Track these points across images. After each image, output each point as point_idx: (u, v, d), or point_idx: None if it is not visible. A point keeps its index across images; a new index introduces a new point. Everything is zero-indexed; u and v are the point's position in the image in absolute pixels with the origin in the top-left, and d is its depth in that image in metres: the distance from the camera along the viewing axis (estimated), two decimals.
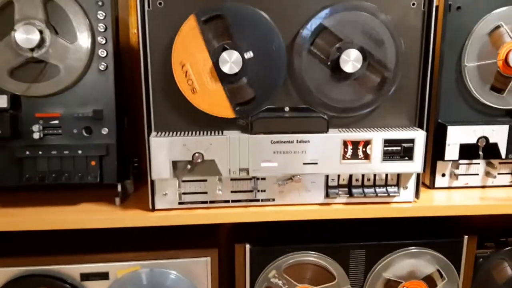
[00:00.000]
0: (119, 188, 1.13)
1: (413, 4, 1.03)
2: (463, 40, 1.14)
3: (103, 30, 1.05)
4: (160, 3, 0.99)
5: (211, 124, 1.05)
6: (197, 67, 0.99)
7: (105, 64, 1.05)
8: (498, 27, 1.13)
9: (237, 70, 0.98)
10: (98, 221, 1.05)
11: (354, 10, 1.00)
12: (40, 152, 1.05)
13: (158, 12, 0.99)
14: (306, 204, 1.10)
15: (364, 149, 1.05)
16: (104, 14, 1.04)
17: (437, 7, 1.12)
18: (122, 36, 1.14)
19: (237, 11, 0.98)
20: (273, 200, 1.10)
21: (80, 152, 1.05)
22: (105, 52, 1.05)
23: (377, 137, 1.04)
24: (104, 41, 1.05)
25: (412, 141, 1.05)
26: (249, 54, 0.98)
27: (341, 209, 1.10)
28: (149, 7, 0.99)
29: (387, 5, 1.02)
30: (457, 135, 1.15)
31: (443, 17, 1.12)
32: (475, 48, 1.14)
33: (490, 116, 1.19)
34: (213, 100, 1.01)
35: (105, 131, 1.07)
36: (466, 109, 1.19)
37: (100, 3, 1.04)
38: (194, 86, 1.00)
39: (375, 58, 1.02)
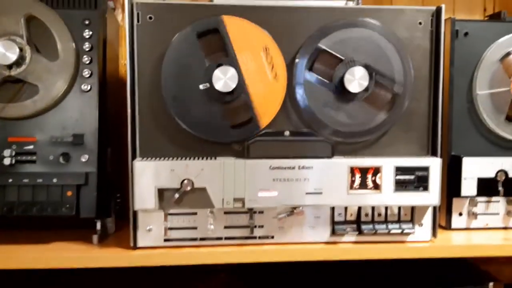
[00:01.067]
0: (98, 225, 1.00)
1: (420, 23, 0.97)
2: (473, 67, 1.08)
3: (88, 49, 0.97)
4: (150, 17, 0.92)
5: (203, 150, 0.94)
6: None
7: (89, 85, 0.97)
8: (509, 53, 1.07)
9: (233, 87, 0.89)
10: (71, 260, 0.92)
11: (356, 27, 0.94)
12: (10, 180, 0.93)
13: (148, 27, 0.92)
14: (310, 243, 0.97)
15: (373, 178, 0.94)
16: (90, 33, 0.97)
17: None
18: (110, 68, 1.06)
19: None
20: (272, 237, 0.97)
21: (55, 180, 0.94)
22: (89, 72, 0.97)
23: (387, 164, 0.94)
24: (89, 61, 0.97)
25: (426, 169, 0.94)
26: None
27: (349, 248, 0.96)
28: (138, 21, 0.92)
29: (392, 24, 0.96)
30: (474, 168, 1.05)
31: (451, 43, 1.06)
32: (486, 75, 1.08)
33: (507, 149, 1.10)
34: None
35: (85, 158, 0.96)
36: (481, 140, 1.09)
37: (87, 22, 0.98)
38: None
39: (381, 76, 0.94)
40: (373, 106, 0.94)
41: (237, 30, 0.91)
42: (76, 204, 0.94)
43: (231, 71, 0.89)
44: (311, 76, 0.94)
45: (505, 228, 1.10)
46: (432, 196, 0.95)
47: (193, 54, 0.91)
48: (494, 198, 1.09)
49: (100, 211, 0.98)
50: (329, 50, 0.94)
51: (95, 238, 0.98)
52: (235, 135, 0.93)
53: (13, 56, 0.92)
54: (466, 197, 1.07)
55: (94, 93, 0.97)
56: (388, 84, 0.94)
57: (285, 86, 0.93)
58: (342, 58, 0.94)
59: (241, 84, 0.90)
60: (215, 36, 0.91)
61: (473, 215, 1.08)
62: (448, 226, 1.09)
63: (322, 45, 0.93)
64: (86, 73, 0.97)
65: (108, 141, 1.03)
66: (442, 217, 1.10)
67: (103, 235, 1.01)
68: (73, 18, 0.97)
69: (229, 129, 0.92)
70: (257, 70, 0.91)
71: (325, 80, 0.94)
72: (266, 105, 0.92)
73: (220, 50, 0.91)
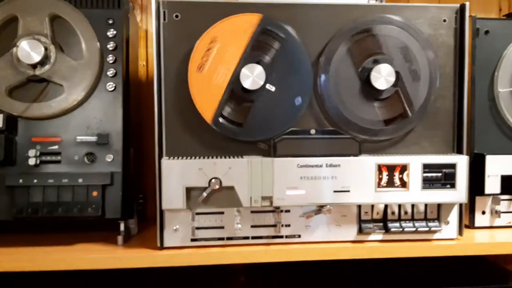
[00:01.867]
0: (122, 227, 0.99)
1: (444, 21, 0.97)
2: (494, 64, 1.08)
3: (112, 48, 0.97)
4: (176, 16, 0.92)
5: (230, 149, 0.94)
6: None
7: (114, 85, 0.96)
8: None
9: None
10: (97, 261, 0.90)
11: (381, 24, 0.94)
12: (35, 181, 0.92)
13: (174, 25, 0.92)
14: (337, 242, 0.97)
15: (400, 176, 0.94)
16: (114, 32, 0.97)
17: None
18: (131, 68, 1.06)
19: None
20: (299, 236, 0.96)
21: (80, 181, 0.93)
22: (114, 72, 0.96)
23: (415, 162, 0.93)
24: (113, 60, 0.97)
25: (453, 166, 0.94)
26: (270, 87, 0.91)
27: (376, 247, 0.96)
28: (164, 19, 0.92)
29: (417, 21, 0.96)
30: (497, 166, 1.05)
31: (472, 40, 1.06)
32: (507, 73, 1.08)
33: None
34: None
35: (110, 158, 0.95)
36: (503, 138, 1.09)
37: (110, 21, 0.97)
38: None
39: (408, 73, 0.94)
40: (399, 104, 0.94)
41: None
42: (102, 204, 0.93)
43: (258, 68, 0.89)
44: (337, 74, 0.93)
45: None
46: (459, 193, 0.94)
47: None
48: None
49: (124, 212, 0.97)
50: (356, 47, 0.93)
51: (120, 239, 0.97)
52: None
53: (37, 56, 0.91)
54: (490, 195, 1.07)
55: (119, 93, 0.97)
56: (414, 81, 0.94)
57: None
58: (368, 55, 0.93)
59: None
60: None
61: (496, 213, 1.08)
62: (471, 225, 1.09)
63: (349, 42, 0.93)
64: (110, 72, 0.96)
65: (131, 141, 1.02)
66: (466, 216, 1.09)
67: (126, 236, 1.00)
68: (97, 18, 0.97)
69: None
70: None
71: (351, 78, 0.94)
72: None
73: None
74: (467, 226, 1.09)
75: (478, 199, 1.09)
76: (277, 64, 0.91)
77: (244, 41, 0.90)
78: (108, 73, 0.96)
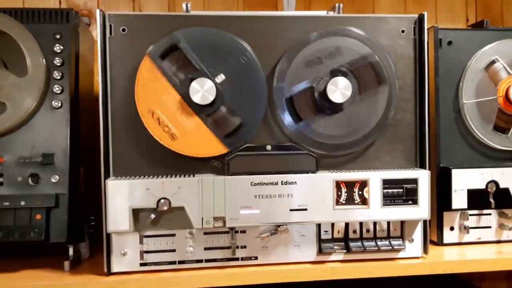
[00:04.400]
0: (71, 251, 0.94)
1: (403, 31, 0.94)
2: (458, 76, 1.05)
3: (59, 64, 0.93)
4: (123, 30, 0.88)
5: (181, 167, 0.90)
6: (168, 110, 0.86)
7: (60, 102, 0.92)
8: (493, 62, 1.05)
9: (212, 99, 0.85)
10: None
11: (338, 36, 0.91)
12: None
13: (121, 39, 0.88)
14: (296, 263, 0.92)
15: (360, 192, 0.90)
16: (61, 47, 0.93)
17: None
18: (84, 84, 1.02)
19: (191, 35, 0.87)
20: (256, 258, 0.92)
21: (23, 203, 0.88)
22: (60, 88, 0.92)
23: (374, 177, 0.90)
24: (59, 76, 0.93)
25: (415, 181, 0.90)
26: (220, 78, 0.86)
27: (338, 267, 0.91)
28: (111, 33, 0.88)
29: (375, 32, 0.93)
30: (464, 180, 1.01)
31: (434, 52, 1.03)
32: (472, 84, 1.05)
33: (497, 159, 1.07)
34: (197, 140, 0.87)
35: (55, 178, 0.90)
36: (469, 151, 1.06)
37: (57, 36, 0.93)
38: (172, 132, 0.86)
39: (365, 85, 0.90)
40: (358, 117, 0.90)
41: None
42: (45, 228, 0.88)
43: (208, 83, 0.85)
44: (293, 87, 0.90)
45: (498, 241, 1.06)
46: (421, 209, 0.90)
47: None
48: (485, 211, 1.05)
49: (72, 236, 0.92)
50: (310, 60, 0.90)
51: (66, 264, 0.92)
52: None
53: None
54: (457, 210, 1.03)
55: (65, 110, 0.92)
56: (372, 94, 0.90)
57: None
58: (324, 68, 0.90)
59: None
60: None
61: (465, 229, 1.04)
62: (440, 241, 1.05)
63: (304, 55, 0.90)
64: (56, 89, 0.92)
65: (81, 160, 0.98)
66: (434, 232, 1.06)
67: (76, 261, 0.95)
68: (44, 33, 0.93)
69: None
70: None
71: (307, 91, 0.90)
72: None
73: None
74: (435, 243, 1.05)
75: (446, 215, 1.05)
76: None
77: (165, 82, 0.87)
78: (54, 89, 0.92)
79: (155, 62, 0.86)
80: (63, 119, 0.92)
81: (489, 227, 1.06)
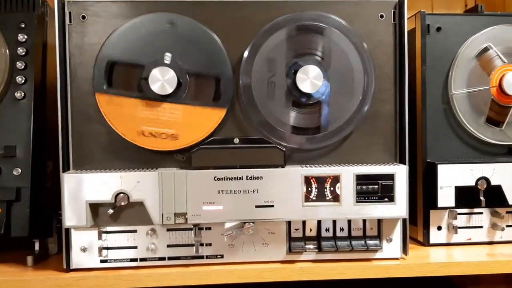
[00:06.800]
0: (37, 246, 0.92)
1: (381, 16, 0.88)
2: (448, 65, 0.98)
3: (23, 54, 0.90)
4: (83, 17, 0.85)
5: (145, 161, 0.86)
6: (151, 119, 0.84)
7: (23, 93, 0.89)
8: (486, 49, 0.97)
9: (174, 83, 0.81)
10: None
11: (311, 21, 0.85)
12: None
13: (81, 27, 0.85)
14: (264, 262, 0.87)
15: (332, 189, 0.84)
16: (25, 37, 0.90)
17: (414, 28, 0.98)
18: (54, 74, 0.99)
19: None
20: (222, 256, 0.87)
21: None
22: (24, 79, 0.90)
23: (347, 173, 0.84)
24: (23, 67, 0.90)
25: (391, 177, 0.84)
26: (168, 57, 0.81)
27: (308, 267, 0.86)
28: (70, 21, 0.85)
29: (351, 18, 0.87)
30: (451, 176, 0.94)
31: (421, 39, 0.96)
32: (462, 73, 0.98)
33: (490, 154, 0.99)
34: (195, 123, 0.84)
35: (17, 171, 0.88)
36: (460, 146, 0.99)
37: (22, 25, 0.91)
38: (170, 133, 0.84)
39: (337, 74, 0.85)
40: (331, 108, 0.85)
41: None
42: (6, 222, 0.86)
43: (170, 73, 0.81)
44: (262, 76, 0.85)
45: (490, 242, 0.99)
46: (398, 207, 0.84)
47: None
48: (476, 210, 0.98)
49: (35, 230, 0.89)
50: (280, 47, 0.85)
51: (29, 259, 0.90)
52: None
53: None
54: (444, 208, 0.96)
55: (29, 101, 0.90)
56: (345, 83, 0.85)
57: None
58: (295, 55, 0.85)
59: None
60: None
61: (453, 228, 0.97)
62: (426, 242, 0.98)
63: (273, 41, 0.85)
64: (19, 79, 0.90)
65: (50, 153, 0.95)
66: (420, 232, 0.99)
67: (42, 256, 0.93)
68: (8, 22, 0.91)
69: None
70: None
71: (277, 80, 0.85)
72: None
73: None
74: (421, 243, 0.99)
75: (433, 213, 0.98)
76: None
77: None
78: (17, 80, 0.90)
79: (107, 92, 0.83)
80: (26, 111, 0.89)
81: (481, 227, 0.99)
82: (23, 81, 0.90)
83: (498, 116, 0.98)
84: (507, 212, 0.98)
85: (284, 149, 0.85)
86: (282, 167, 0.84)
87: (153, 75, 0.81)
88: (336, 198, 0.84)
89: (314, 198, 0.84)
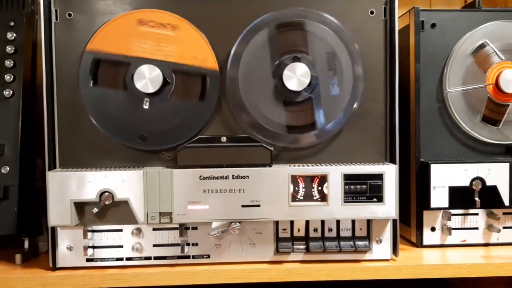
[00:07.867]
0: (26, 244, 0.92)
1: (372, 13, 0.86)
2: (443, 61, 0.96)
3: (11, 52, 0.90)
4: (69, 14, 0.84)
5: (130, 159, 0.85)
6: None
7: (11, 91, 0.89)
8: (482, 46, 0.95)
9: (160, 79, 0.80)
10: None
11: (298, 18, 0.84)
12: None
13: (67, 25, 0.84)
14: (251, 263, 0.86)
15: (320, 188, 0.83)
16: (14, 35, 0.90)
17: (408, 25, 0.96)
18: None
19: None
20: (208, 256, 0.86)
21: None
22: (12, 77, 0.90)
23: (334, 172, 0.82)
24: (12, 65, 0.90)
25: (380, 177, 0.82)
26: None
27: (295, 268, 0.85)
28: (56, 19, 0.84)
29: (340, 14, 0.85)
30: (444, 176, 0.92)
31: (415, 36, 0.94)
32: (457, 70, 0.95)
33: (487, 154, 0.97)
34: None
35: (5, 169, 0.88)
36: (455, 145, 0.97)
37: (11, 23, 0.91)
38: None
39: (326, 72, 0.83)
40: (319, 106, 0.83)
41: None
42: None
43: (156, 70, 0.80)
44: (249, 73, 0.83)
45: (486, 244, 0.96)
46: (387, 208, 0.82)
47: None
48: (472, 211, 0.96)
49: (24, 228, 0.89)
50: (267, 45, 0.83)
51: (18, 257, 0.90)
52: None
53: None
54: (437, 209, 0.94)
55: (17, 99, 0.90)
56: (334, 81, 0.83)
57: None
58: (282, 52, 0.83)
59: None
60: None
61: (447, 230, 0.94)
62: (419, 243, 0.96)
63: (261, 38, 0.83)
64: (8, 78, 0.90)
65: (39, 152, 0.95)
66: (413, 233, 0.97)
67: (32, 254, 0.93)
68: None
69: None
70: None
71: (264, 78, 0.84)
72: None
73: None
74: (414, 245, 0.97)
75: (427, 214, 0.96)
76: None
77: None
78: (5, 78, 0.90)
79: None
80: (15, 109, 0.89)
81: (476, 228, 0.96)
82: (11, 79, 0.90)
83: (495, 115, 0.96)
84: (504, 214, 0.96)
85: (271, 148, 0.83)
86: (269, 166, 0.83)
87: (138, 73, 0.80)
88: (323, 198, 0.82)
89: (302, 198, 0.83)
